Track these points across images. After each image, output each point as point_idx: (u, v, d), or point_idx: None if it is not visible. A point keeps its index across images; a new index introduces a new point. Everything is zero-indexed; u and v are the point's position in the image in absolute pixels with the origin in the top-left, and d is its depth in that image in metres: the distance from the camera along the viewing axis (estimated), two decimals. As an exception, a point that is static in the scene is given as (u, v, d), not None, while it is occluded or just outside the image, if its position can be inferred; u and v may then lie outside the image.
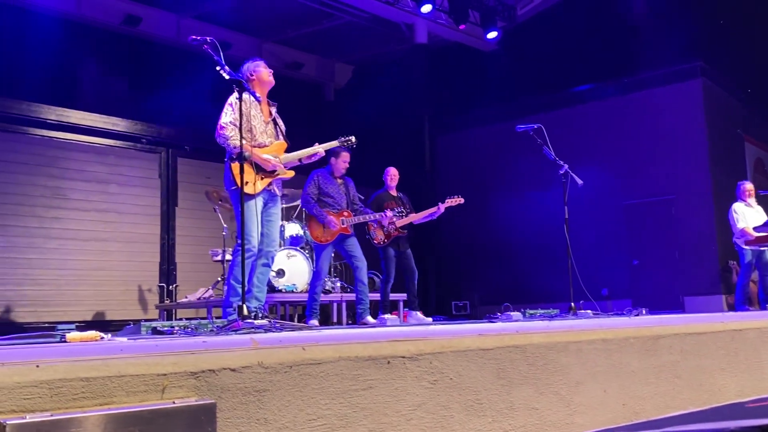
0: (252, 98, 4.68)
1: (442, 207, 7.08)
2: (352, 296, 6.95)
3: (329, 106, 12.31)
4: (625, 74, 11.06)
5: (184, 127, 9.76)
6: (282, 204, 8.30)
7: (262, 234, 4.75)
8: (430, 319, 7.11)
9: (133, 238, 9.19)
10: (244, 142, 4.31)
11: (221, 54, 4.28)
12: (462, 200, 7.19)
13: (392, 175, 7.24)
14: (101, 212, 9.03)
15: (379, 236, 6.93)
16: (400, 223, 6.93)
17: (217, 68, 4.27)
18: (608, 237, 10.93)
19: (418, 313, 7.05)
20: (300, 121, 11.00)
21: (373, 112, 11.41)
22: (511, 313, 5.37)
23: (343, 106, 11.91)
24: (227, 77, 4.30)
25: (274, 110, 4.93)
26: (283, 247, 7.62)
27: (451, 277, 12.15)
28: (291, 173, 4.88)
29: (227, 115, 4.61)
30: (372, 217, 6.57)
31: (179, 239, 9.61)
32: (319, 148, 5.00)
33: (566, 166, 6.15)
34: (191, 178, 9.81)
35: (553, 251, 9.92)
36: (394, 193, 7.25)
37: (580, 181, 6.20)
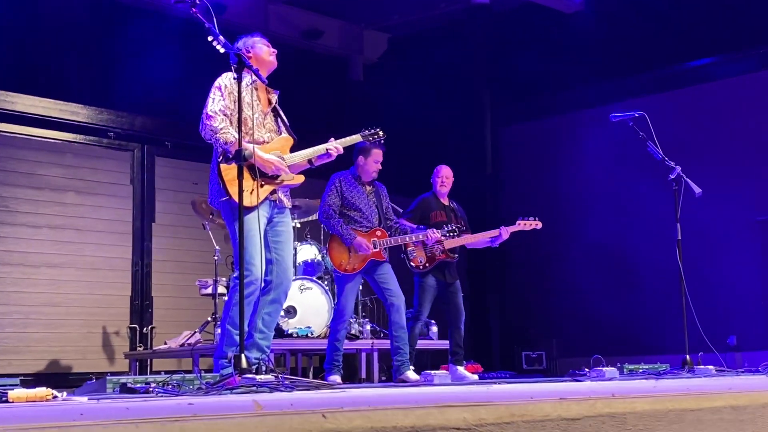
0: (252, 80, 4.73)
1: (507, 232, 7.06)
2: (386, 343, 6.93)
3: (356, 87, 12.34)
4: (764, 42, 10.88)
5: (165, 116, 9.84)
6: (294, 219, 8.36)
7: (268, 260, 4.78)
8: (475, 377, 7.08)
9: (96, 264, 9.26)
10: (240, 135, 4.34)
11: (214, 20, 4.33)
12: (539, 224, 7.14)
13: (445, 176, 7.25)
14: (55, 229, 9.12)
15: (418, 257, 6.95)
16: (450, 244, 6.92)
17: (209, 38, 4.35)
18: (736, 265, 10.74)
19: (462, 368, 7.04)
20: (317, 108, 11.18)
21: (414, 95, 11.41)
22: (604, 369, 5.32)
23: (374, 88, 11.94)
24: (222, 50, 4.38)
25: (274, 99, 5.00)
26: (294, 278, 7.63)
27: (520, 318, 12.06)
28: (300, 179, 4.95)
29: (216, 102, 4.69)
30: (415, 238, 6.59)
31: (157, 266, 9.65)
32: (335, 145, 5.06)
33: (678, 168, 6.12)
34: (173, 184, 9.86)
35: (660, 284, 9.76)
36: (445, 201, 7.27)
37: (697, 190, 6.15)
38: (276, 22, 11.16)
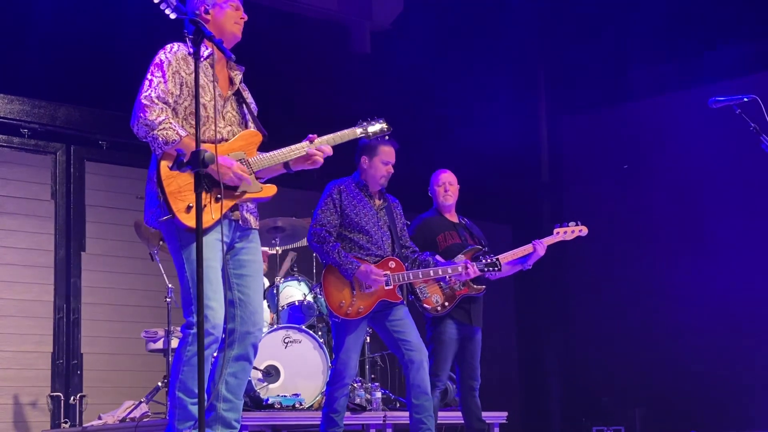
0: (210, 52, 4.68)
1: (542, 246, 7.18)
2: (404, 416, 6.92)
3: (361, 62, 12.30)
4: None
5: (97, 107, 9.82)
6: (274, 246, 8.33)
7: (230, 302, 4.78)
8: None
9: (6, 309, 9.23)
10: (185, 133, 4.39)
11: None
12: (584, 230, 7.34)
13: (447, 182, 7.27)
14: (-50, 261, 9.14)
15: (433, 297, 6.97)
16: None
17: (156, 0, 4.30)
18: None
19: None
20: (305, 91, 11.09)
21: (439, 74, 11.35)
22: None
23: (385, 64, 11.91)
24: (173, 16, 4.34)
25: (238, 78, 4.98)
26: (275, 326, 7.64)
27: (590, 380, 11.99)
28: (270, 190, 4.91)
29: (154, 85, 4.67)
30: (443, 272, 6.58)
31: (88, 311, 9.59)
32: (318, 144, 5.00)
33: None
34: (110, 199, 9.84)
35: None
36: (453, 217, 7.32)
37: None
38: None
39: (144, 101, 4.60)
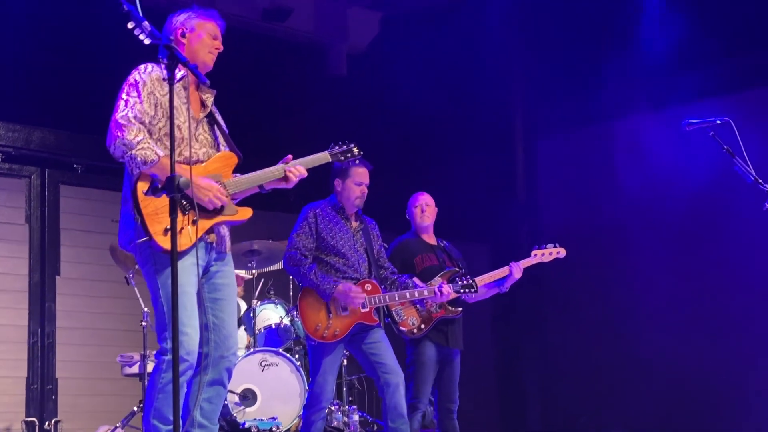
0: (183, 74, 4.67)
1: (518, 268, 7.20)
2: (379, 440, 6.90)
3: (338, 85, 12.30)
4: None
5: (72, 129, 9.82)
6: (250, 269, 8.30)
7: (204, 326, 4.76)
8: None
9: (-22, 335, 9.23)
10: (164, 153, 4.39)
11: (137, 1, 4.29)
12: (562, 252, 7.37)
13: (424, 203, 7.29)
14: None
15: (409, 319, 6.96)
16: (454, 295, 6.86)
17: (130, 25, 4.30)
18: None
19: None
20: (280, 114, 11.08)
21: (416, 96, 11.36)
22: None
23: (362, 86, 11.91)
24: (147, 42, 4.32)
25: (210, 99, 4.95)
26: (252, 349, 7.63)
27: (567, 401, 12.02)
28: (246, 213, 4.90)
29: (130, 105, 4.62)
30: (419, 294, 6.59)
31: (63, 335, 9.58)
32: (295, 165, 5.03)
33: (777, 194, 6.05)
34: (85, 223, 9.85)
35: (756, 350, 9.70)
36: (431, 239, 7.33)
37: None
38: (226, -1, 11.11)
39: (121, 121, 4.55)
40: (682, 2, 11.43)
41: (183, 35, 4.86)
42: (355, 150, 5.56)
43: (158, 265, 4.63)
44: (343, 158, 5.53)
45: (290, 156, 5.06)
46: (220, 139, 4.94)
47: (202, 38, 4.89)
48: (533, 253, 7.31)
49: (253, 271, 8.26)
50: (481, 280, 7.04)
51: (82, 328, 9.65)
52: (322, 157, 5.36)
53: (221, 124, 4.99)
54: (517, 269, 7.16)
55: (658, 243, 11.61)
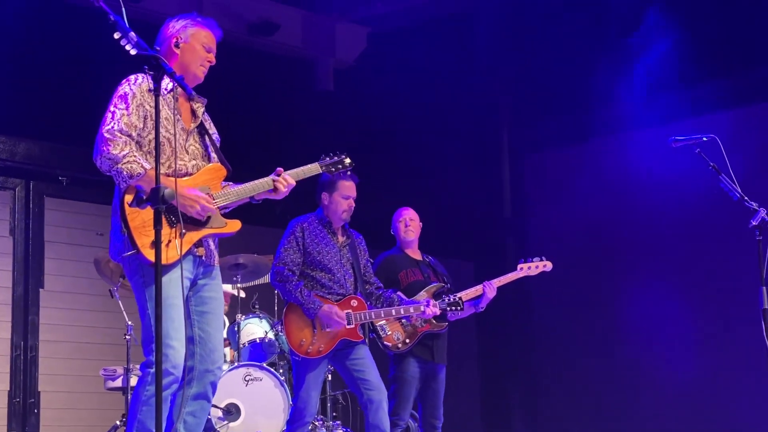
0: (173, 86, 4.63)
1: (491, 287, 7.20)
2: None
3: (324, 99, 12.31)
4: None
5: (58, 141, 9.79)
6: (236, 283, 8.27)
7: (190, 339, 4.73)
8: None
9: (-39, 348, 9.18)
10: (150, 166, 4.35)
11: (123, 11, 4.25)
12: (549, 265, 7.40)
13: (409, 218, 7.32)
14: None
15: (393, 334, 6.96)
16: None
17: (116, 36, 4.27)
18: None
19: None
20: (268, 128, 11.07)
21: (404, 111, 11.37)
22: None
23: (349, 101, 11.92)
24: (134, 52, 4.28)
25: (201, 109, 4.92)
26: (236, 363, 7.60)
27: (552, 417, 12.03)
28: (235, 225, 4.88)
29: (117, 117, 4.59)
30: (405, 312, 6.59)
31: (46, 349, 9.53)
32: (284, 177, 5.01)
33: (763, 211, 6.05)
34: (70, 236, 9.80)
35: (745, 370, 9.69)
36: (416, 254, 7.34)
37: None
38: (213, 10, 11.06)
39: (106, 135, 4.53)
40: (670, 22, 11.47)
41: (177, 45, 4.81)
42: (347, 161, 5.56)
43: (146, 278, 4.60)
44: (334, 170, 5.53)
45: (281, 169, 5.04)
46: (211, 149, 4.91)
47: (195, 50, 4.85)
48: (519, 266, 7.36)
49: (239, 285, 8.23)
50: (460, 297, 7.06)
51: (65, 342, 9.61)
52: (313, 168, 5.36)
53: (212, 133, 4.96)
54: (490, 289, 7.18)
55: (645, 258, 11.66)
